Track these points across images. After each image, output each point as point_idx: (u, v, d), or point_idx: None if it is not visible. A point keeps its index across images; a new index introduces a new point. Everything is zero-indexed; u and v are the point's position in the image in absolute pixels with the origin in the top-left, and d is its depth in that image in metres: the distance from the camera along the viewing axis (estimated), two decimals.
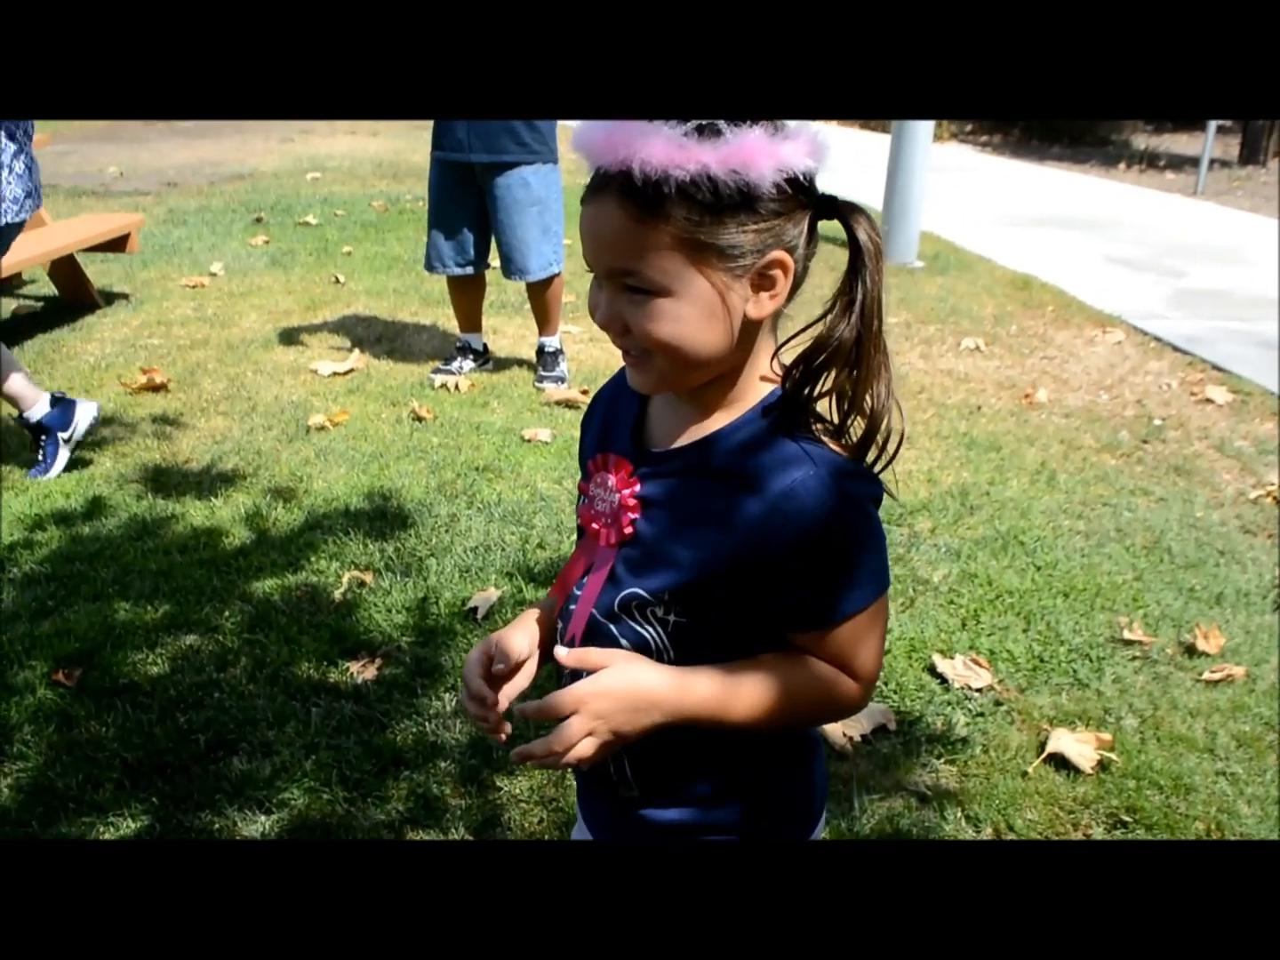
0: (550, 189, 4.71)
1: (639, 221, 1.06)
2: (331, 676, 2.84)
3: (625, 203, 1.06)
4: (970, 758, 2.61)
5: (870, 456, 1.16)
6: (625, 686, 1.13)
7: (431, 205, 4.80)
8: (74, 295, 6.04)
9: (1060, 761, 2.59)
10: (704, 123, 1.04)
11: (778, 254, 1.10)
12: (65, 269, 5.97)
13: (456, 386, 4.74)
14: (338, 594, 3.18)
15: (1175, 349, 5.57)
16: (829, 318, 1.13)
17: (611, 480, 1.21)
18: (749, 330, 1.14)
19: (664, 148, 1.03)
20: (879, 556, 1.17)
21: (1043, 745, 2.63)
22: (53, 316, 5.85)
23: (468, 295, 4.96)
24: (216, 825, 2.36)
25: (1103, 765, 2.57)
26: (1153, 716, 2.76)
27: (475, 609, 3.08)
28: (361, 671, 2.85)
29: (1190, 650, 3.02)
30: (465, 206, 4.74)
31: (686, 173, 1.03)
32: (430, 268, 4.86)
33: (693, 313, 1.10)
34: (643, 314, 1.10)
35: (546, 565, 3.32)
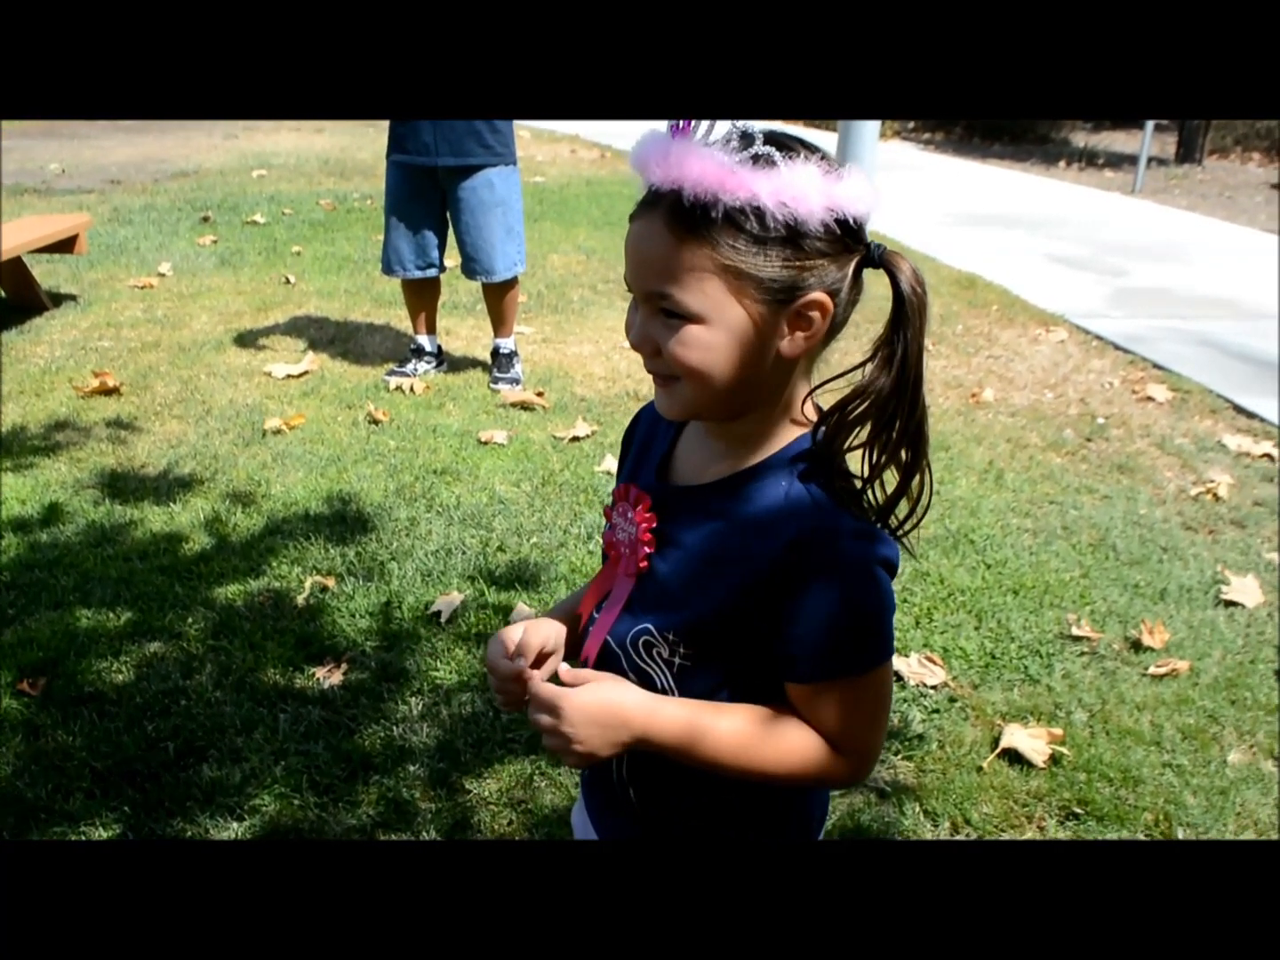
0: (512, 190, 4.76)
1: (682, 243, 1.06)
2: (298, 682, 2.86)
3: (671, 223, 1.06)
4: (927, 753, 2.68)
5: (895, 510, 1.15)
6: (599, 703, 1.15)
7: (390, 208, 4.81)
8: (20, 297, 5.98)
9: (1014, 756, 2.67)
10: (759, 151, 1.04)
11: (818, 294, 1.09)
12: (11, 270, 5.90)
13: (412, 389, 4.76)
14: (300, 599, 3.20)
15: (1117, 348, 5.69)
16: (869, 368, 1.12)
17: (632, 513, 1.22)
18: (782, 368, 1.13)
19: (716, 171, 1.03)
20: (882, 625, 1.14)
21: (996, 740, 2.71)
22: None
23: (424, 298, 4.98)
24: (189, 832, 2.38)
25: (1054, 759, 2.66)
26: (1101, 711, 2.85)
27: (439, 613, 3.12)
28: (327, 677, 2.88)
29: (1136, 645, 3.12)
30: (426, 209, 4.76)
31: (736, 199, 1.03)
32: (389, 270, 4.88)
33: (725, 342, 1.09)
34: (675, 338, 1.09)
35: (507, 568, 3.36)
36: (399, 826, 2.41)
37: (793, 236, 1.05)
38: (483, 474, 3.99)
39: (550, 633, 1.27)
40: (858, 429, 1.13)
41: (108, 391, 4.72)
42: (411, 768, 2.58)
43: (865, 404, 1.11)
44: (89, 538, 3.54)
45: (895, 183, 10.27)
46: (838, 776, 1.20)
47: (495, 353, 4.94)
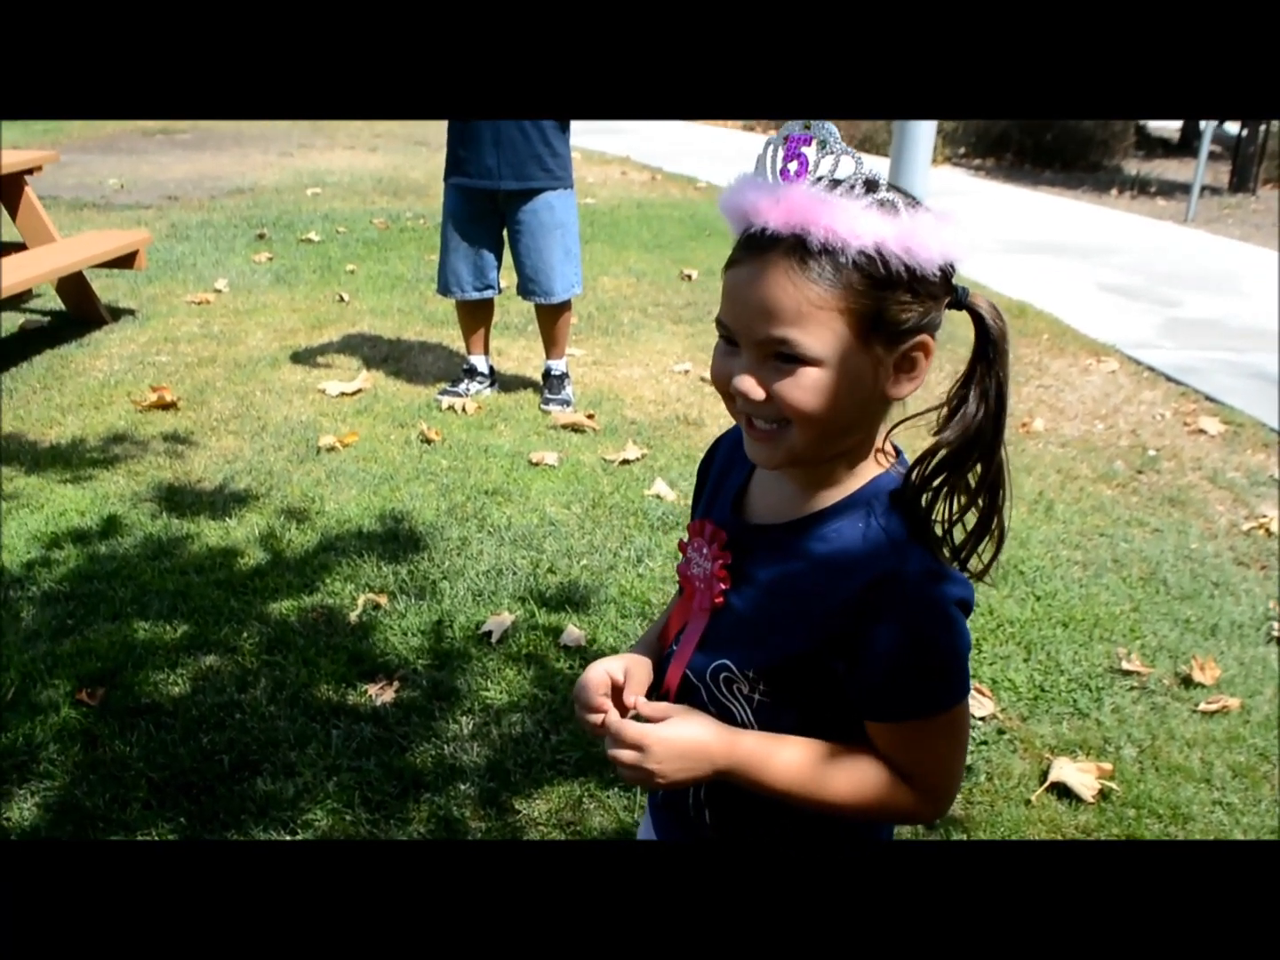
0: (570, 213, 4.81)
1: (807, 286, 1.06)
2: (350, 699, 2.90)
3: (796, 266, 1.06)
4: (975, 785, 2.68)
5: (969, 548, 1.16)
6: (682, 740, 1.17)
7: (448, 230, 4.87)
8: (81, 311, 6.09)
9: (1062, 790, 2.66)
10: (884, 197, 1.07)
11: (924, 337, 1.12)
12: (72, 284, 6.01)
13: (464, 409, 4.80)
14: (353, 616, 3.24)
15: (1169, 379, 5.66)
16: (965, 409, 1.14)
17: (708, 549, 1.24)
18: (879, 411, 1.16)
19: (846, 217, 1.05)
20: (958, 664, 1.15)
21: (1045, 774, 2.71)
22: (60, 332, 5.90)
23: (478, 319, 5.03)
24: None
25: (1103, 794, 2.65)
26: (1151, 746, 2.84)
27: (490, 633, 3.15)
28: (380, 694, 2.91)
29: (1187, 681, 3.10)
30: (485, 231, 4.82)
31: (864, 244, 1.05)
32: (446, 291, 4.93)
33: (842, 386, 1.09)
34: (792, 382, 1.09)
35: (558, 590, 3.39)
36: None
37: (912, 281, 1.08)
38: (533, 495, 4.02)
39: (642, 675, 1.30)
40: (952, 470, 1.14)
41: (165, 406, 4.80)
42: (462, 786, 2.61)
43: (960, 445, 1.13)
44: (146, 550, 3.60)
45: (946, 209, 10.24)
46: (915, 813, 1.23)
47: (547, 374, 4.98)
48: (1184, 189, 11.80)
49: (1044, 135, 13.76)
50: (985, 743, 2.83)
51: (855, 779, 1.18)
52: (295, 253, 7.62)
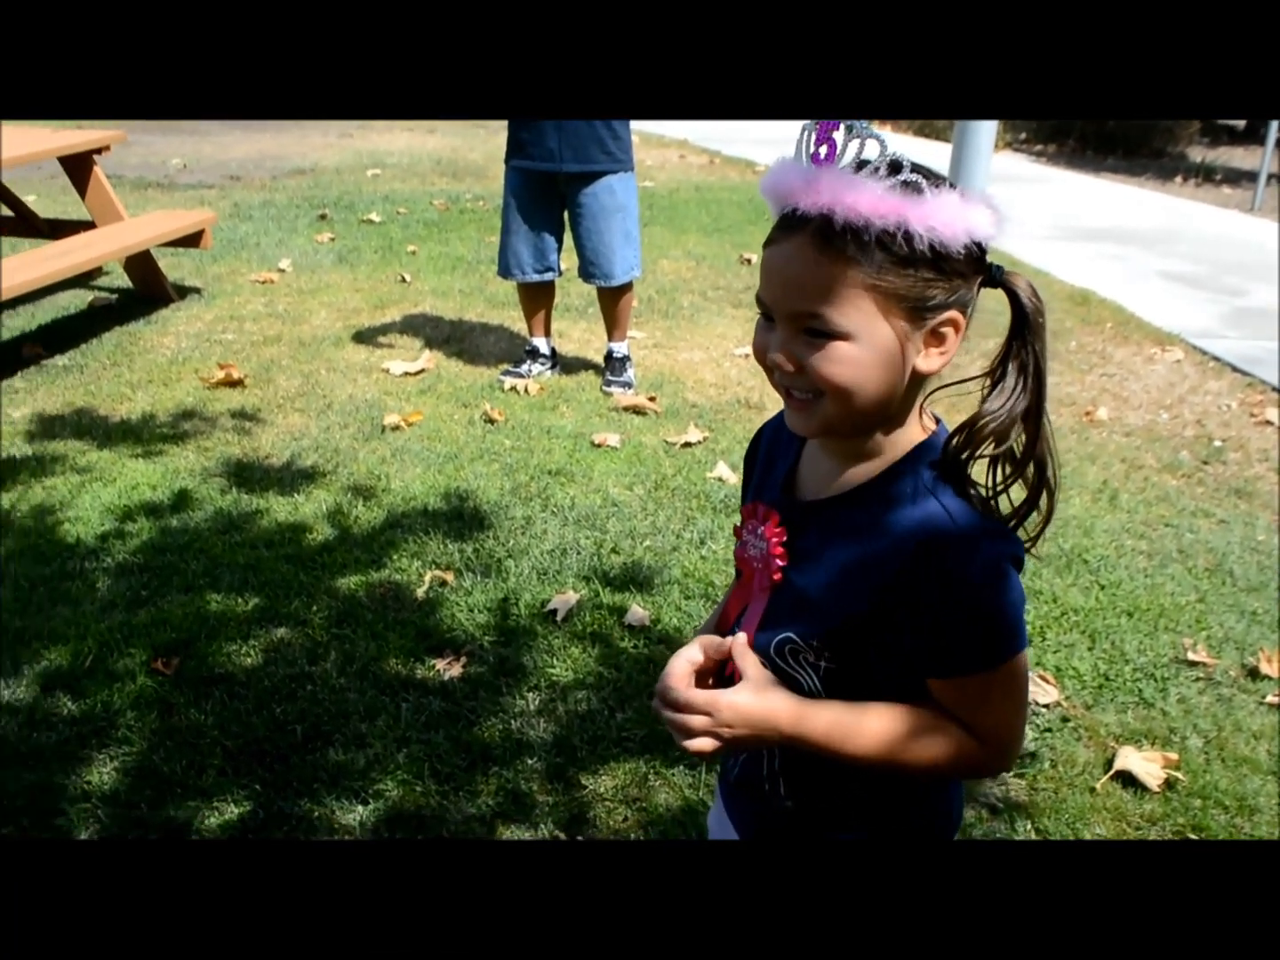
0: (630, 196, 4.83)
1: (834, 264, 1.11)
2: (418, 673, 2.94)
3: (823, 245, 1.12)
4: (1039, 772, 2.68)
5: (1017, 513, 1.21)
6: (752, 706, 1.20)
7: (509, 212, 4.89)
8: (148, 289, 6.19)
9: (1127, 779, 2.66)
10: (907, 178, 1.11)
11: (953, 313, 1.16)
12: (140, 263, 6.10)
13: (526, 389, 4.84)
14: (420, 592, 3.28)
15: (1234, 369, 5.60)
16: (1006, 384, 1.19)
17: (762, 529, 1.28)
18: (913, 383, 1.20)
19: (869, 198, 1.10)
20: (1013, 617, 1.18)
21: (1110, 762, 2.70)
22: (128, 309, 5.99)
23: (539, 301, 5.06)
24: (316, 813, 2.47)
25: (1169, 784, 2.64)
26: (1217, 738, 2.83)
27: (554, 611, 3.18)
28: (447, 669, 2.95)
29: (1253, 673, 3.08)
30: (546, 214, 4.85)
31: (887, 223, 1.10)
32: (507, 274, 4.96)
33: (871, 359, 1.14)
34: (822, 356, 1.14)
35: (621, 570, 3.41)
36: (518, 818, 2.47)
37: (936, 258, 1.12)
38: (596, 476, 4.05)
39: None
40: (989, 442, 1.19)
41: (232, 383, 4.87)
42: (529, 761, 2.64)
43: (1001, 418, 1.18)
44: (217, 525, 3.67)
45: (1007, 195, 10.06)
46: (982, 766, 1.27)
47: (609, 356, 5.00)
48: (1250, 177, 11.63)
49: (1107, 121, 13.59)
50: (1049, 730, 2.83)
51: (926, 739, 1.21)
52: (357, 233, 7.69)
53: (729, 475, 4.05)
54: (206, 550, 3.49)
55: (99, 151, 6.27)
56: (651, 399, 4.73)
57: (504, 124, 4.82)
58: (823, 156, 1.14)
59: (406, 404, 4.71)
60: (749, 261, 7.05)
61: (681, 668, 1.25)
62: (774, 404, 4.54)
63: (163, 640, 3.04)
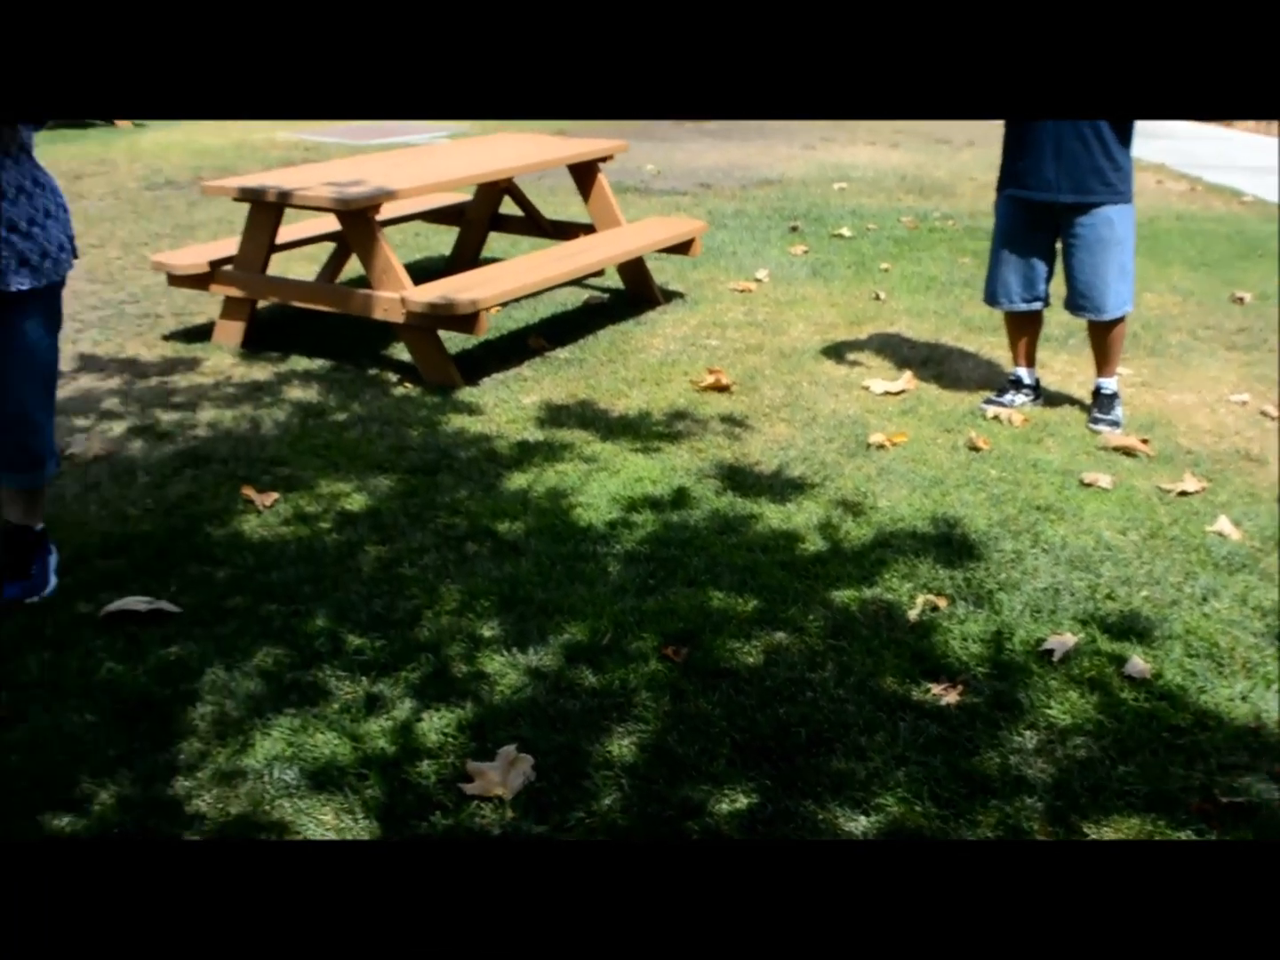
0: (1129, 228, 4.69)
1: None
2: (914, 694, 3.00)
3: None
4: None
5: None
6: None
7: (1000, 240, 4.87)
8: (637, 290, 6.58)
9: None
10: None
11: None
12: (632, 266, 6.51)
13: (1010, 420, 4.80)
14: (912, 614, 3.34)
15: None
16: None
17: None
18: None
19: None
20: None
21: None
22: (618, 310, 6.41)
23: (1026, 330, 5.00)
24: (820, 816, 2.58)
25: None
26: None
27: (1050, 651, 3.15)
28: (943, 695, 3.00)
29: None
30: (1038, 243, 4.79)
31: None
32: (994, 301, 4.94)
33: None
34: None
35: (1118, 618, 3.34)
36: None
37: None
38: (1087, 517, 3.97)
39: None
40: None
41: (720, 388, 5.12)
42: (1028, 799, 2.64)
43: None
44: (714, 524, 3.87)
45: None
46: None
47: (1097, 392, 4.87)
48: None
49: None
50: None
51: None
52: (829, 247, 7.85)
53: (1231, 531, 3.86)
54: (705, 548, 3.70)
55: (604, 160, 6.74)
56: (1144, 441, 4.57)
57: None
58: None
59: (889, 423, 4.78)
60: (1241, 301, 6.65)
61: None
62: (1277, 458, 4.29)
63: (671, 629, 3.26)
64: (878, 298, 6.66)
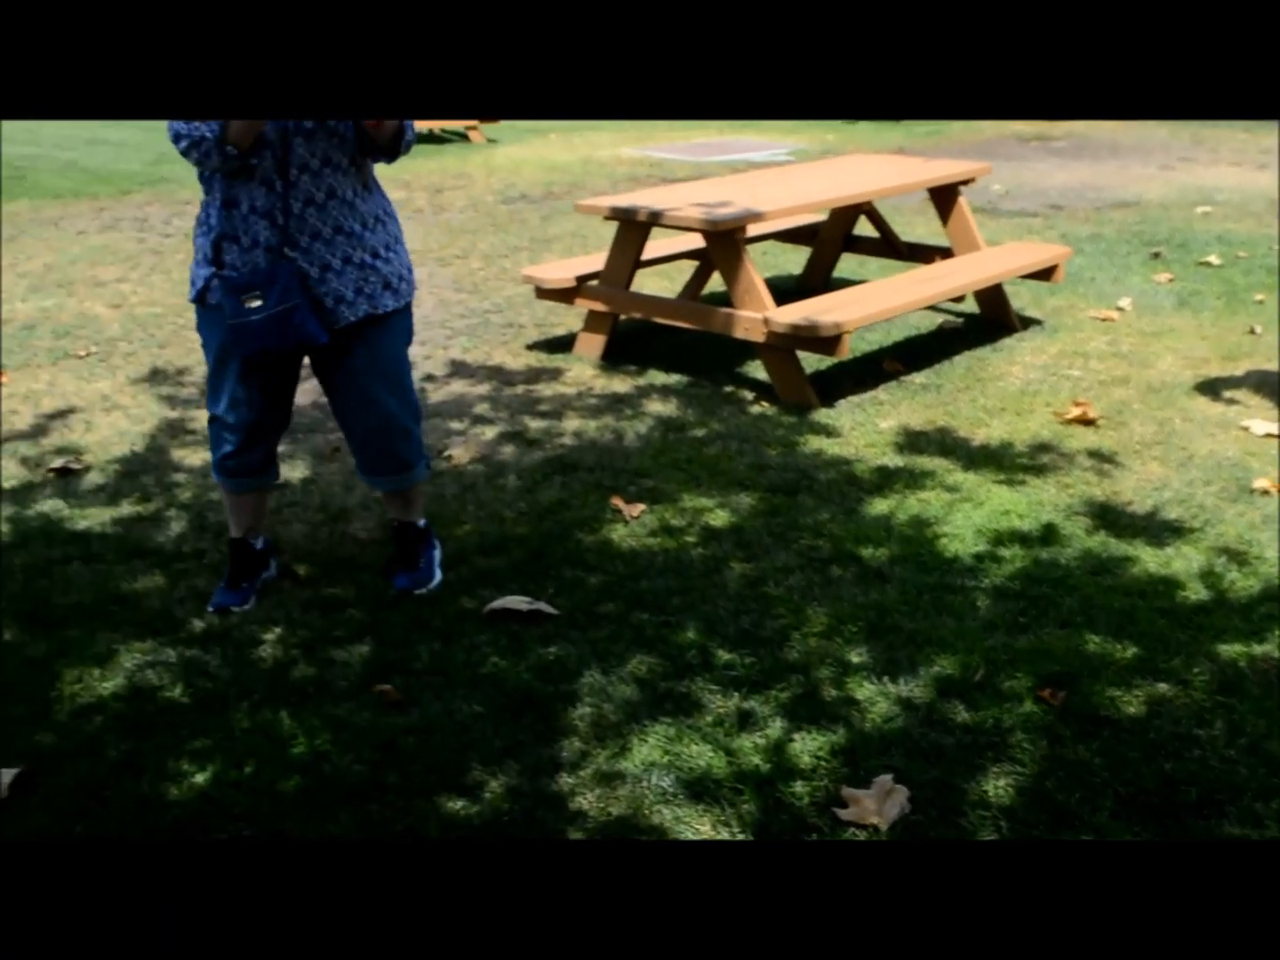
0: None
1: None
2: None
3: None
4: None
5: None
6: None
7: None
8: (994, 316, 6.46)
9: None
10: None
11: None
12: (990, 290, 6.39)
13: None
14: None
15: None
16: None
17: None
18: None
19: None
20: None
21: None
22: (974, 335, 6.31)
23: None
24: None
25: None
26: None
27: None
28: None
29: None
30: None
31: None
32: None
33: None
34: None
35: None
36: None
37: None
38: None
39: None
40: None
41: (1086, 421, 4.96)
42: None
43: None
44: (1086, 564, 3.77)
45: None
46: None
47: None
48: None
49: None
50: None
51: None
52: (1195, 275, 7.47)
53: None
54: (1078, 588, 3.61)
55: (966, 183, 6.65)
56: None
57: None
58: None
59: (1271, 468, 4.52)
60: None
61: None
62: None
63: (1046, 670, 3.19)
64: (1253, 331, 6.29)
